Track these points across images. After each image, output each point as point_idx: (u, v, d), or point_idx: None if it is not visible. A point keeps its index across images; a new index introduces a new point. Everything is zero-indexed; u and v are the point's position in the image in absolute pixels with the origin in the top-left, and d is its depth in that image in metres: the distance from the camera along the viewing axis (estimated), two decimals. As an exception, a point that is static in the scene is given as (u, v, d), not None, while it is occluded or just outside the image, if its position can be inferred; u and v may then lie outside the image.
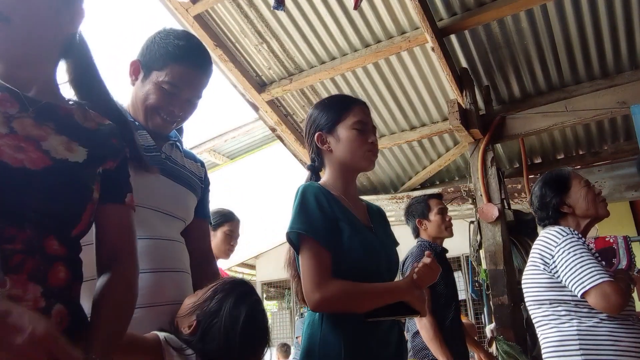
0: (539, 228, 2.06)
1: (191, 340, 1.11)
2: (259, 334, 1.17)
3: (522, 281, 1.92)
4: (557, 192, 1.94)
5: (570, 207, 1.91)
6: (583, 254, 1.71)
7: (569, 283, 1.69)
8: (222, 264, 2.85)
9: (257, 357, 1.17)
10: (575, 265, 1.69)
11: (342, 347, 1.28)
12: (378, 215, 1.58)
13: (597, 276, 1.64)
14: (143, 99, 1.32)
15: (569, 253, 1.72)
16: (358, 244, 1.37)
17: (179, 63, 1.30)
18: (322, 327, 1.33)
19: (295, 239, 1.36)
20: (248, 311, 1.14)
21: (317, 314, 1.35)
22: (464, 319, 4.19)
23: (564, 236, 1.78)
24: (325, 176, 1.53)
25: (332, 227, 1.36)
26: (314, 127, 1.52)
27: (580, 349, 1.65)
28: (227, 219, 2.70)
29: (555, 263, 1.75)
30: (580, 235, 1.80)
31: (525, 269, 1.91)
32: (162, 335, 1.11)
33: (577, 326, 1.69)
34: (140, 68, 1.34)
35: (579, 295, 1.67)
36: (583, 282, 1.65)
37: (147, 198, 1.27)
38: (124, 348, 1.02)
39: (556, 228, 1.84)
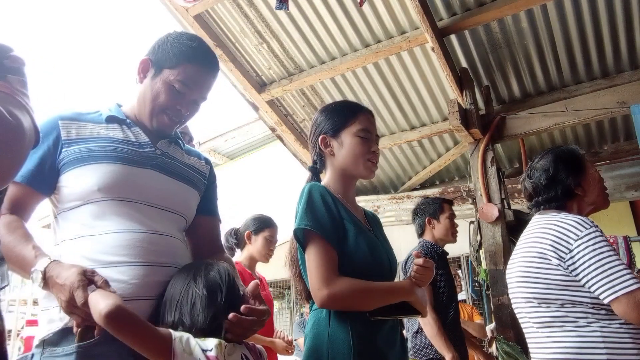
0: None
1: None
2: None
3: (519, 274, 1.66)
4: (573, 171, 1.71)
5: (584, 190, 1.70)
6: (611, 254, 1.49)
7: (593, 286, 1.48)
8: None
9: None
10: (603, 266, 1.47)
11: (351, 344, 1.30)
12: (374, 219, 1.63)
13: (630, 281, 1.44)
14: (152, 97, 1.34)
15: (594, 251, 1.49)
16: (364, 243, 1.40)
17: (192, 63, 1.33)
18: (330, 325, 1.34)
19: (302, 236, 1.37)
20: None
21: (324, 313, 1.37)
22: (478, 319, 4.21)
23: (586, 228, 1.53)
24: (325, 178, 1.56)
25: (338, 226, 1.39)
26: (319, 129, 1.55)
27: (606, 355, 1.46)
28: (268, 224, 2.84)
29: (574, 260, 1.51)
30: (601, 229, 1.56)
31: (524, 259, 1.66)
32: (177, 334, 1.08)
33: (600, 330, 1.48)
34: (151, 66, 1.35)
35: (605, 301, 1.46)
36: (613, 287, 1.44)
37: (140, 193, 1.28)
38: (136, 333, 1.03)
39: (573, 217, 1.59)
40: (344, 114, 1.54)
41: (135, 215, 1.25)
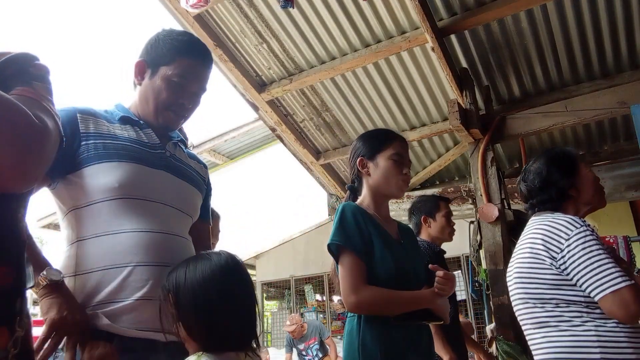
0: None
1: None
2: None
3: (516, 274, 1.68)
4: (565, 173, 1.73)
5: (577, 191, 1.72)
6: (600, 252, 1.49)
7: (584, 284, 1.49)
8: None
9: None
10: (592, 264, 1.48)
11: (378, 348, 1.48)
12: (407, 232, 1.80)
13: (618, 279, 1.44)
14: (155, 96, 1.35)
15: (584, 249, 1.50)
16: (389, 256, 1.57)
17: (186, 56, 1.36)
18: (361, 331, 1.52)
19: (335, 250, 1.58)
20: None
21: (355, 320, 1.55)
22: (459, 318, 4.20)
23: (577, 228, 1.54)
24: (361, 196, 1.75)
25: (367, 241, 1.57)
26: (357, 152, 1.75)
27: (600, 354, 1.46)
28: None
29: (565, 259, 1.52)
30: (592, 229, 1.56)
31: (520, 260, 1.68)
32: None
33: (594, 330, 1.48)
34: (147, 67, 1.37)
35: (595, 299, 1.47)
36: (601, 285, 1.45)
37: (157, 193, 1.29)
38: None
39: (565, 217, 1.60)
40: (380, 140, 1.74)
41: (152, 215, 1.26)
